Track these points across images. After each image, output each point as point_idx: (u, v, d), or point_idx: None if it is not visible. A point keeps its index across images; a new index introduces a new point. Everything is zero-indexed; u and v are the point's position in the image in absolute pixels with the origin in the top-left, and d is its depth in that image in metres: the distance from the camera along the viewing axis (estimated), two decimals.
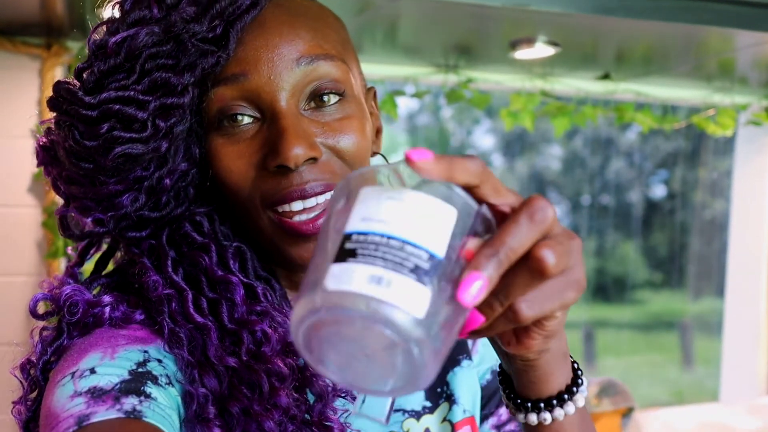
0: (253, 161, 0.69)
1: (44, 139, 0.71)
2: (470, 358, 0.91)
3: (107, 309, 0.69)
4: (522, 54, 1.99)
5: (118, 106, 0.64)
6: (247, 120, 0.69)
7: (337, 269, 0.43)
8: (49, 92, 2.01)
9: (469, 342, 0.93)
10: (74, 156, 0.66)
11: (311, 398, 0.69)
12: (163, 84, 0.65)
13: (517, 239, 0.44)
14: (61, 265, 1.85)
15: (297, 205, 0.69)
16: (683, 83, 2.47)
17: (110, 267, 0.80)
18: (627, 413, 2.19)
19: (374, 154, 0.82)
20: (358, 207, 0.45)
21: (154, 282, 0.69)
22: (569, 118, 2.39)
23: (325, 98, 0.71)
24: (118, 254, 0.80)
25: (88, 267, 0.79)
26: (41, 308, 0.73)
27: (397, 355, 0.43)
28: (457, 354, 0.90)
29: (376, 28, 1.78)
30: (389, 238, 0.43)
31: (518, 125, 2.37)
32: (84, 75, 0.66)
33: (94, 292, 0.74)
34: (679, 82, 2.44)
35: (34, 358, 0.71)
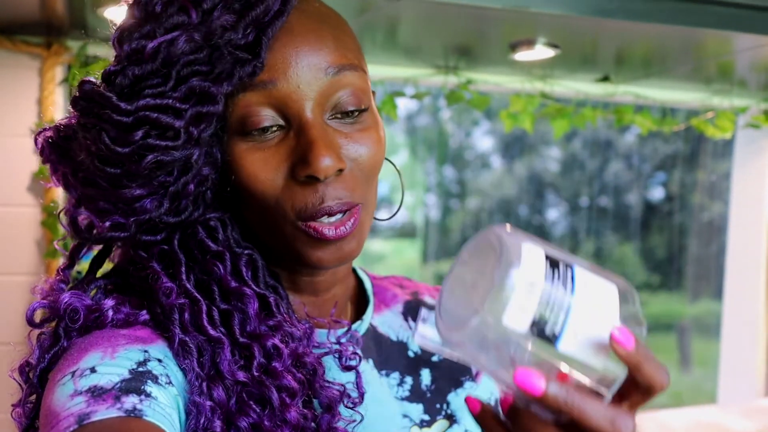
0: (281, 170, 0.69)
1: (50, 134, 0.70)
2: (474, 381, 0.91)
3: (110, 312, 0.69)
4: (522, 56, 1.99)
5: (156, 114, 0.63)
6: (273, 127, 0.69)
7: None
8: (49, 91, 1.99)
9: (474, 368, 0.94)
10: (101, 160, 0.65)
11: (318, 407, 0.70)
12: (202, 93, 0.65)
13: (589, 418, 0.50)
14: (61, 263, 1.85)
15: (324, 220, 0.70)
16: (682, 86, 2.47)
17: (106, 266, 0.79)
18: None
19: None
20: None
21: (168, 289, 0.69)
22: (568, 120, 2.39)
23: (350, 112, 0.71)
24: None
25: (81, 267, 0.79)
26: (38, 316, 0.72)
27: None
28: (460, 375, 0.90)
29: (376, 29, 1.78)
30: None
31: (517, 127, 2.37)
32: (115, 79, 0.65)
33: (91, 294, 0.74)
34: (678, 84, 2.45)
35: (32, 360, 0.71)
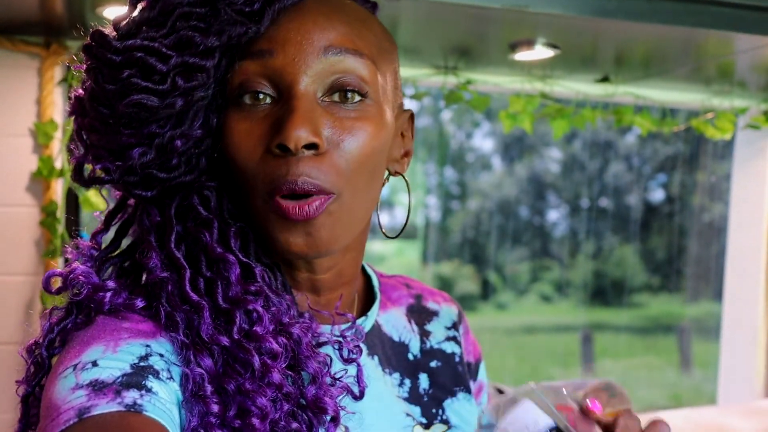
0: (261, 142, 0.70)
1: (80, 90, 0.72)
2: (469, 393, 0.92)
3: (108, 294, 0.70)
4: (521, 56, 1.99)
5: (140, 54, 0.66)
6: (266, 99, 0.70)
7: None
8: (48, 91, 2.00)
9: (473, 386, 0.95)
10: (95, 100, 0.69)
11: (306, 380, 0.70)
12: (188, 42, 0.67)
13: None
14: (59, 264, 1.85)
15: (289, 200, 0.70)
16: (682, 86, 2.47)
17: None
18: None
19: (396, 174, 0.83)
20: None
21: (153, 265, 0.71)
22: (568, 121, 2.39)
23: (348, 95, 0.71)
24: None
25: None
26: (55, 284, 0.74)
27: None
28: (454, 386, 0.91)
29: None
30: None
31: (517, 127, 2.37)
32: (119, 24, 0.69)
33: (108, 271, 0.76)
34: (678, 85, 2.44)
35: (44, 332, 0.72)
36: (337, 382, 0.73)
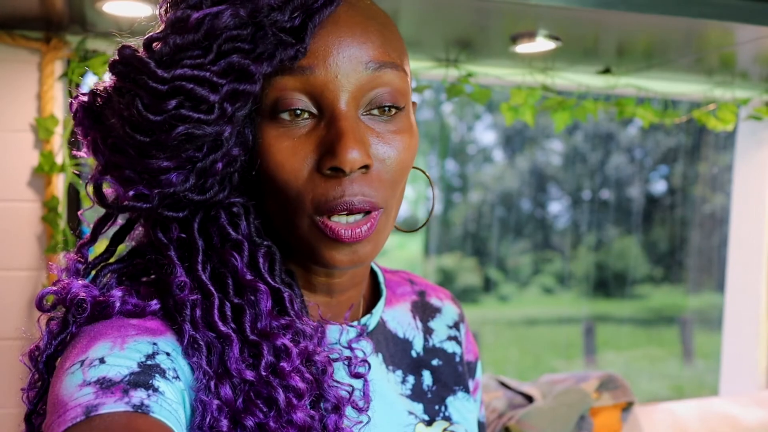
0: (308, 161, 0.69)
1: (86, 99, 0.69)
2: (467, 392, 0.92)
3: (117, 304, 0.69)
4: (522, 48, 1.99)
5: (191, 85, 0.63)
6: (305, 115, 0.69)
7: None
8: (48, 86, 1.99)
9: (471, 384, 0.96)
10: (132, 126, 0.65)
11: (324, 407, 0.70)
12: (241, 70, 0.64)
13: None
14: (61, 259, 1.85)
15: (342, 218, 0.69)
16: (684, 78, 2.46)
17: (121, 250, 0.79)
18: (627, 407, 2.19)
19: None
20: None
21: (182, 283, 0.69)
22: (570, 113, 2.38)
23: (386, 109, 0.71)
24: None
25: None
26: (48, 301, 0.72)
27: None
28: (454, 385, 0.91)
29: None
30: None
31: (519, 120, 2.37)
32: (155, 46, 0.65)
33: (104, 280, 0.74)
34: (679, 76, 2.44)
35: (41, 345, 0.71)
36: (354, 405, 0.73)
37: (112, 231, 0.80)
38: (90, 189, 0.72)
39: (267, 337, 0.68)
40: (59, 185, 1.94)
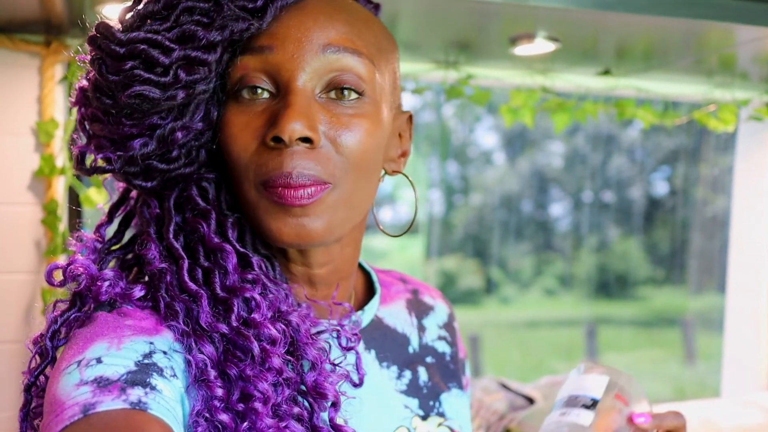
0: (257, 134, 0.71)
1: (83, 81, 0.74)
2: (461, 389, 0.95)
3: (105, 284, 0.71)
4: (522, 50, 1.99)
5: (144, 46, 0.67)
6: (264, 94, 0.72)
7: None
8: (49, 90, 2.00)
9: (463, 379, 0.97)
10: (98, 90, 0.70)
11: (306, 367, 0.71)
12: (191, 36, 0.68)
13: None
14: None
15: (281, 191, 0.71)
16: (684, 79, 2.46)
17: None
18: None
19: (394, 173, 0.84)
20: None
21: (152, 257, 0.72)
22: (569, 114, 2.38)
23: (345, 93, 0.72)
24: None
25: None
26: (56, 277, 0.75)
27: None
28: (448, 381, 0.93)
29: None
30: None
31: (519, 122, 2.37)
32: (127, 17, 0.70)
33: (111, 264, 0.78)
34: (679, 77, 2.44)
35: (46, 331, 0.73)
36: (337, 368, 0.74)
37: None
38: (74, 154, 0.76)
39: (235, 291, 0.71)
40: (59, 188, 1.94)
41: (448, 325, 0.99)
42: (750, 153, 2.91)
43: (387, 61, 0.78)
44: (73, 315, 0.72)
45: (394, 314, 0.92)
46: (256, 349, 0.68)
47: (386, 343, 0.88)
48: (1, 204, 1.92)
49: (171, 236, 0.73)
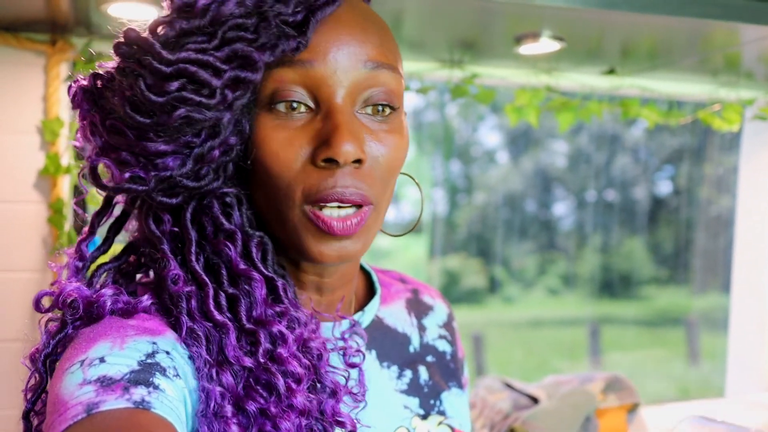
0: (302, 152, 0.70)
1: (85, 82, 0.70)
2: (461, 388, 0.95)
3: (108, 302, 0.69)
4: (526, 49, 1.98)
5: (194, 68, 0.64)
6: (301, 108, 0.70)
7: None
8: (54, 88, 1.99)
9: (462, 379, 0.98)
10: (132, 107, 0.66)
11: (321, 392, 0.71)
12: (243, 57, 0.66)
13: None
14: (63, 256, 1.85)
15: (333, 206, 0.70)
16: (689, 78, 2.46)
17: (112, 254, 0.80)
18: (632, 409, 2.19)
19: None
20: None
21: (176, 276, 0.70)
22: (574, 113, 2.38)
23: (380, 108, 0.72)
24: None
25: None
26: (45, 302, 0.73)
27: None
28: (449, 381, 0.93)
29: None
30: None
31: (523, 121, 2.37)
32: (160, 29, 0.66)
33: (100, 279, 0.75)
34: (684, 77, 2.43)
35: (40, 346, 0.72)
36: (352, 391, 0.74)
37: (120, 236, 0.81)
38: (85, 169, 0.72)
39: (263, 324, 0.69)
40: (65, 187, 1.95)
41: (448, 325, 1.00)
42: (755, 152, 2.91)
43: (402, 69, 0.78)
44: (69, 332, 0.70)
45: (394, 314, 0.92)
46: (282, 387, 0.67)
47: (387, 343, 0.88)
48: (6, 202, 1.93)
49: (193, 258, 0.71)
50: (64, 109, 1.95)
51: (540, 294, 9.27)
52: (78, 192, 1.92)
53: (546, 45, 1.94)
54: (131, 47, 0.66)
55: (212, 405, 0.66)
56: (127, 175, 0.68)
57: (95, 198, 1.95)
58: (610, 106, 2.46)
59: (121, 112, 0.67)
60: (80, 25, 1.84)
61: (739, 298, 2.97)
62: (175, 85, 0.64)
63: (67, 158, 1.94)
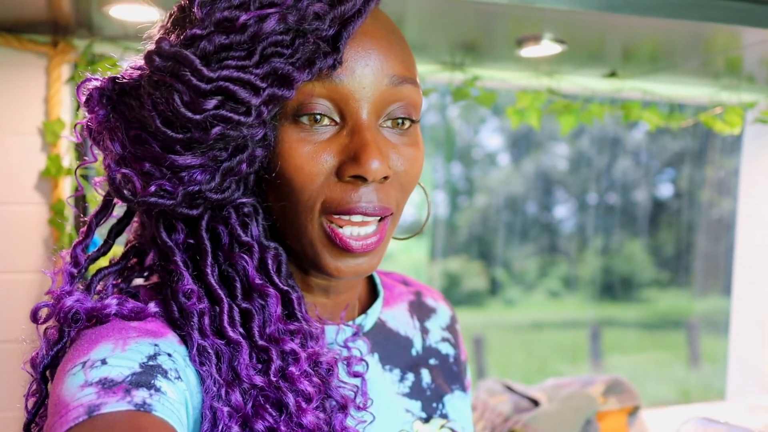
0: (326, 166, 0.69)
1: (103, 85, 0.68)
2: (464, 391, 0.94)
3: (113, 309, 0.69)
4: (528, 52, 1.99)
5: (236, 87, 0.63)
6: (325, 120, 0.69)
7: None
8: (56, 90, 1.99)
9: (465, 381, 0.97)
10: (165, 122, 0.65)
11: (331, 407, 0.70)
12: (282, 75, 0.65)
13: None
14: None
15: (357, 219, 0.70)
16: (690, 81, 2.46)
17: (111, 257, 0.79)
18: (633, 412, 2.19)
19: None
20: None
21: (189, 292, 0.69)
22: (575, 116, 2.38)
23: (401, 122, 0.72)
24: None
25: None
26: (43, 314, 0.72)
27: None
28: (452, 383, 0.93)
29: None
30: None
31: (524, 124, 2.37)
32: (199, 43, 0.64)
33: (98, 286, 0.74)
34: (686, 79, 2.43)
35: (39, 355, 0.72)
36: (359, 405, 0.74)
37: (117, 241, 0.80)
38: (105, 178, 0.71)
39: (276, 342, 0.69)
40: (66, 188, 1.95)
41: (451, 327, 0.99)
42: (756, 155, 2.91)
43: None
44: (70, 338, 0.70)
45: (397, 317, 0.92)
46: (293, 406, 0.66)
47: (389, 347, 0.88)
48: (8, 204, 1.93)
49: (209, 272, 0.70)
50: (65, 111, 1.95)
51: (541, 296, 9.26)
52: (82, 200, 1.93)
53: (547, 48, 1.94)
54: (167, 60, 0.63)
55: (220, 426, 0.65)
56: (152, 188, 0.66)
57: (96, 198, 1.95)
58: (612, 108, 2.46)
59: (151, 126, 0.65)
60: (82, 26, 1.84)
61: (740, 301, 2.96)
62: (213, 102, 0.63)
63: (68, 160, 1.94)
